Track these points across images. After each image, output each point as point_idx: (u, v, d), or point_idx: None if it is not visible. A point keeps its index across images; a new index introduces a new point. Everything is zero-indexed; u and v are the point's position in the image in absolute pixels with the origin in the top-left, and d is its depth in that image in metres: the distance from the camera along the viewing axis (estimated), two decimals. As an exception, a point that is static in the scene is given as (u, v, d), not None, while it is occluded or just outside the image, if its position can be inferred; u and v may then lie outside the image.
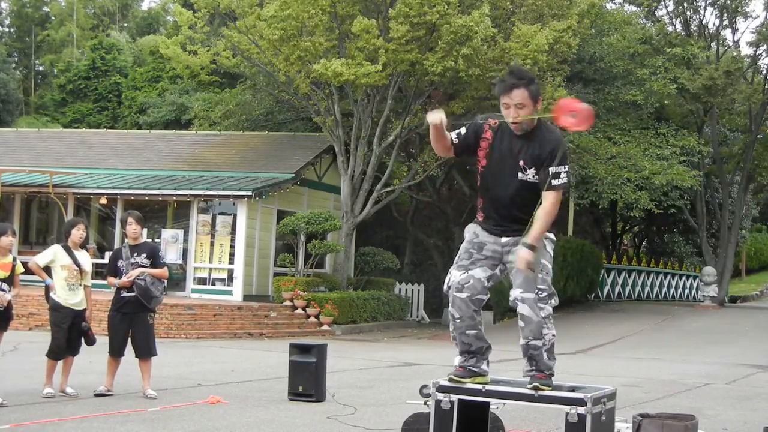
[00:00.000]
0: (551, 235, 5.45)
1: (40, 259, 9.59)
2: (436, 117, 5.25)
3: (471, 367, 5.53)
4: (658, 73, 28.68)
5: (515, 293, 5.34)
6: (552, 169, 5.21)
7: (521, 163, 5.30)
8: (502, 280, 5.58)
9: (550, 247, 5.44)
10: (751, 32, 33.98)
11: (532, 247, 5.12)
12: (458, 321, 5.49)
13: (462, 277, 5.42)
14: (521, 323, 5.40)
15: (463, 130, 5.49)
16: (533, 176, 5.29)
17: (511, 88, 5.24)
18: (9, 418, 7.96)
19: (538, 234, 5.18)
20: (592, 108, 5.12)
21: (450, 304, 5.52)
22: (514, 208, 5.38)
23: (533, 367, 5.44)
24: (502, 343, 18.71)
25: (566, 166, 5.28)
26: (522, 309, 5.33)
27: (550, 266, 5.42)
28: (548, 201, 5.23)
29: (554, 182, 5.22)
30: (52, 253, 9.59)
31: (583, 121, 5.05)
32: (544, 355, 5.44)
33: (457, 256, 5.54)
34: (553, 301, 5.42)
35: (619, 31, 29.18)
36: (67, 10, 56.00)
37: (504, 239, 5.43)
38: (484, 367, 5.59)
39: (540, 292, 5.31)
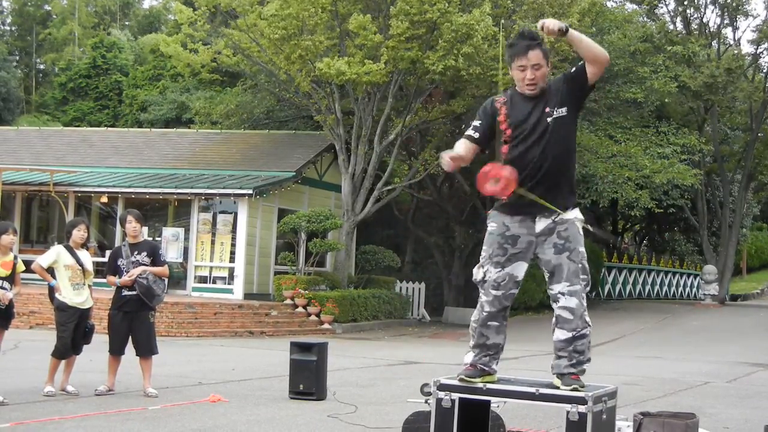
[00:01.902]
0: (579, 222, 5.38)
1: (43, 260, 9.57)
2: (446, 161, 5.25)
3: (483, 366, 5.47)
4: (659, 72, 28.66)
5: (560, 287, 5.28)
6: (571, 70, 5.35)
7: (547, 109, 5.27)
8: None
9: (581, 228, 5.39)
10: (751, 30, 34.09)
11: (565, 30, 5.06)
12: (486, 314, 5.44)
13: (499, 274, 5.37)
14: (567, 315, 5.29)
15: (476, 122, 5.45)
16: (565, 111, 5.29)
17: (527, 49, 5.22)
18: (10, 417, 7.96)
19: (582, 36, 5.18)
20: (515, 171, 5.07)
21: (484, 296, 5.44)
22: (548, 161, 5.24)
23: (572, 362, 5.35)
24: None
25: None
26: (569, 302, 5.26)
27: (583, 249, 5.35)
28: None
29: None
30: (55, 254, 9.58)
31: (507, 186, 5.00)
32: (588, 346, 5.41)
33: (489, 248, 5.42)
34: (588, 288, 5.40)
35: (619, 29, 29.14)
36: (68, 9, 56.01)
37: (538, 226, 5.32)
38: (494, 366, 5.55)
39: (584, 282, 5.29)
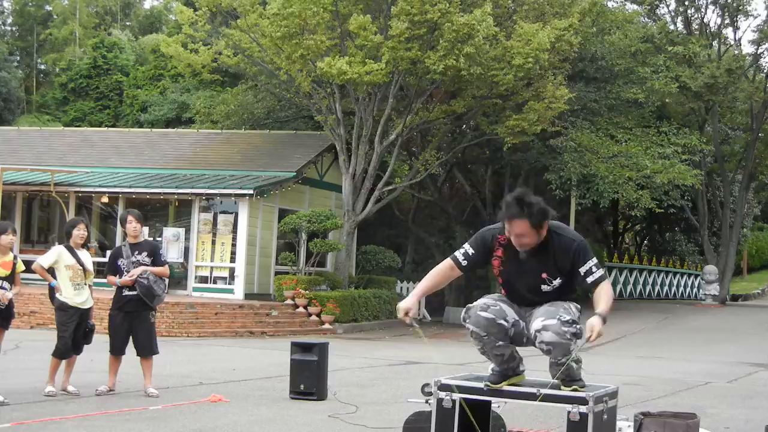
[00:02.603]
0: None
1: (44, 260, 9.56)
2: (401, 316, 5.26)
3: (508, 372, 5.49)
4: (660, 72, 28.67)
5: (536, 324, 5.20)
6: (583, 269, 5.19)
7: (543, 275, 5.25)
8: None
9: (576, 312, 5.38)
10: (752, 31, 34.11)
11: (604, 318, 5.07)
12: (485, 337, 5.35)
13: (490, 302, 5.38)
14: (548, 348, 5.20)
15: (470, 250, 5.42)
16: (559, 283, 5.27)
17: (511, 218, 5.15)
18: (11, 417, 7.96)
19: (608, 305, 5.13)
20: None
21: (472, 325, 5.34)
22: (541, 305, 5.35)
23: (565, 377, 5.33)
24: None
25: (593, 259, 5.24)
26: (545, 336, 5.16)
27: (573, 309, 5.32)
28: (600, 288, 5.21)
29: (593, 278, 5.20)
30: (56, 254, 9.56)
31: None
32: (574, 366, 5.31)
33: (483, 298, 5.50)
34: (576, 328, 5.19)
35: (620, 29, 29.15)
36: (69, 9, 56.01)
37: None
38: (521, 367, 5.56)
39: (563, 316, 5.17)
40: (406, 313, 5.27)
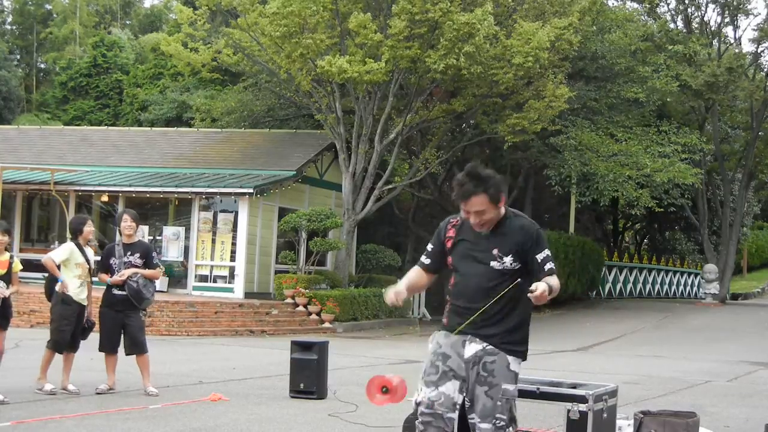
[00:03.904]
0: (513, 357, 4.90)
1: (57, 256, 9.57)
2: (390, 297, 4.94)
3: None
4: (660, 71, 28.69)
5: (475, 420, 4.84)
6: (539, 256, 4.84)
7: (495, 251, 4.86)
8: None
9: (514, 366, 4.89)
10: (752, 29, 34.12)
11: (551, 289, 4.72)
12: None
13: (433, 394, 4.85)
14: None
15: (429, 246, 5.14)
16: (511, 263, 4.84)
17: (469, 195, 4.78)
18: (11, 416, 7.96)
19: (556, 289, 4.78)
20: (402, 379, 4.77)
21: (423, 426, 4.87)
22: (485, 303, 4.82)
23: None
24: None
25: (548, 250, 4.90)
26: None
27: (511, 388, 4.86)
28: (553, 279, 4.85)
29: (549, 266, 4.85)
30: (69, 251, 9.58)
31: (396, 394, 4.71)
32: None
33: (424, 368, 4.97)
34: (510, 429, 4.84)
35: (620, 28, 29.16)
36: (69, 8, 56.04)
37: (467, 353, 4.86)
38: None
39: (498, 422, 4.76)
40: (397, 298, 4.95)
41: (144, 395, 9.52)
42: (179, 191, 23.53)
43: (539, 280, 4.77)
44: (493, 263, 4.85)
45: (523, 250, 4.85)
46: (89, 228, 9.73)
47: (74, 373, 9.72)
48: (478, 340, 4.85)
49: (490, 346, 4.83)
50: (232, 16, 24.59)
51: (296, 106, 28.47)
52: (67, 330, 9.50)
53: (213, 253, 23.32)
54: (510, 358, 4.87)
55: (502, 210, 4.88)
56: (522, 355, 4.96)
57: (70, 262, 9.54)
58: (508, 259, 4.84)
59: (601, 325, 23.77)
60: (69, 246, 9.67)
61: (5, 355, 9.40)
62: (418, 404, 4.91)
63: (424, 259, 5.15)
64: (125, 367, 10.04)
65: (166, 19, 54.90)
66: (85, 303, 9.64)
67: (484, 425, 4.78)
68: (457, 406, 4.87)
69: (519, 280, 4.82)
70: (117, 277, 9.63)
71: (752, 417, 9.49)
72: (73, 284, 9.53)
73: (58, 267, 9.53)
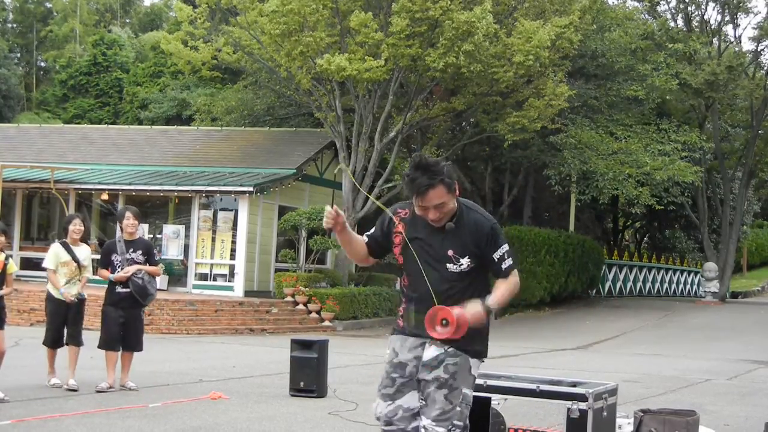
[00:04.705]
0: (475, 360, 4.61)
1: (47, 263, 9.75)
2: (330, 213, 4.56)
3: None
4: (660, 69, 28.69)
5: (425, 421, 4.54)
6: (496, 255, 4.53)
7: (450, 252, 4.51)
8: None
9: (474, 369, 4.61)
10: (752, 28, 34.07)
11: (489, 310, 4.46)
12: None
13: (389, 409, 4.61)
14: None
15: (374, 232, 4.79)
16: (467, 265, 4.51)
17: (426, 189, 4.41)
18: (10, 414, 7.96)
19: (501, 299, 4.53)
20: (466, 315, 4.41)
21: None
22: (446, 304, 4.49)
23: None
24: (503, 339, 18.73)
25: (506, 245, 4.58)
26: None
27: (470, 393, 4.59)
28: (509, 281, 4.57)
29: (505, 265, 4.56)
30: (54, 254, 9.73)
31: (457, 329, 4.39)
32: None
33: (381, 379, 4.71)
34: None
35: (620, 26, 29.18)
36: (69, 6, 56.04)
37: (427, 356, 4.58)
38: None
39: (454, 428, 4.49)
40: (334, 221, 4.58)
41: (128, 390, 9.65)
42: (179, 189, 23.54)
43: (498, 278, 4.56)
44: (449, 265, 4.52)
45: (479, 249, 4.53)
46: (73, 227, 9.81)
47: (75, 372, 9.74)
48: (438, 343, 4.53)
49: (452, 348, 4.53)
50: (232, 14, 24.58)
51: (296, 104, 28.47)
52: (53, 327, 9.70)
53: (213, 252, 23.32)
54: (472, 361, 4.59)
55: (455, 201, 4.53)
56: (482, 356, 4.68)
57: (56, 262, 9.69)
58: (464, 261, 4.52)
59: (601, 324, 23.77)
60: (53, 249, 9.84)
61: (5, 353, 9.41)
62: (377, 418, 4.68)
63: (368, 240, 4.81)
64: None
65: (166, 18, 54.92)
66: (73, 299, 9.67)
67: (439, 429, 4.48)
68: (417, 414, 4.62)
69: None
70: (121, 274, 9.66)
71: (752, 415, 9.49)
72: (61, 282, 9.65)
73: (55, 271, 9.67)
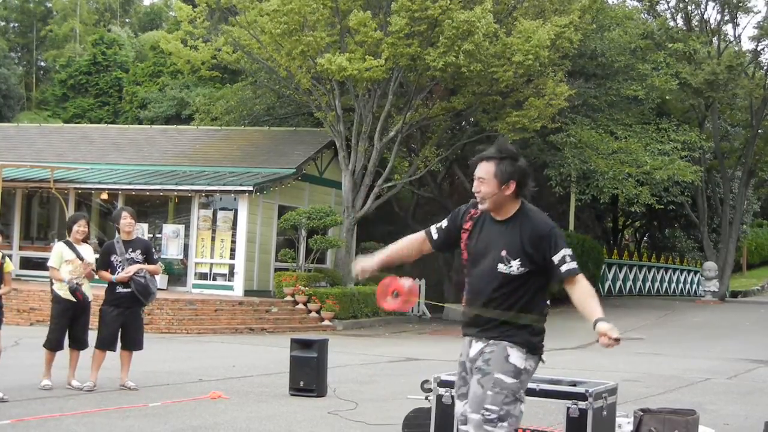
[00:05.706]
0: (516, 350, 4.56)
1: (51, 262, 9.68)
2: (357, 268, 4.78)
3: None
4: (660, 68, 28.70)
5: (464, 408, 4.63)
6: (557, 257, 4.52)
7: (503, 253, 4.54)
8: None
9: (515, 358, 4.55)
10: (752, 27, 34.08)
11: (604, 319, 4.48)
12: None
13: (464, 408, 4.68)
14: None
15: (444, 224, 4.86)
16: (517, 269, 4.51)
17: (481, 159, 4.60)
18: (10, 414, 7.96)
19: (599, 308, 4.53)
20: (414, 283, 4.66)
21: None
22: (492, 305, 4.56)
23: None
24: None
25: (567, 249, 4.55)
26: (467, 428, 4.58)
27: (508, 381, 4.51)
28: (580, 285, 4.57)
29: (568, 267, 4.52)
30: (58, 252, 9.69)
31: (406, 299, 4.59)
32: None
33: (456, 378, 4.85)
34: (504, 424, 4.48)
35: (620, 26, 29.16)
36: (69, 6, 56.07)
37: (472, 352, 4.66)
38: None
39: (487, 413, 4.46)
40: (362, 272, 4.79)
41: (127, 390, 9.63)
42: (179, 189, 23.53)
43: (557, 283, 4.55)
44: (500, 266, 4.53)
45: (536, 251, 4.52)
46: (78, 227, 9.78)
47: (75, 371, 9.73)
48: (484, 339, 4.61)
49: (492, 340, 4.58)
50: (232, 14, 24.57)
51: (296, 104, 28.46)
52: (57, 328, 9.59)
53: (213, 251, 23.31)
54: (510, 349, 4.53)
55: (509, 193, 4.58)
56: (531, 348, 4.58)
57: (60, 261, 9.64)
58: (515, 264, 4.51)
59: (601, 323, 23.73)
60: (57, 247, 9.83)
61: (4, 353, 9.41)
62: (458, 420, 4.71)
63: (434, 233, 4.87)
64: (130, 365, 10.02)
65: (166, 17, 54.92)
66: (74, 299, 9.63)
67: (473, 416, 4.49)
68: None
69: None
70: (123, 275, 9.66)
71: (752, 414, 9.49)
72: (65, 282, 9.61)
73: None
